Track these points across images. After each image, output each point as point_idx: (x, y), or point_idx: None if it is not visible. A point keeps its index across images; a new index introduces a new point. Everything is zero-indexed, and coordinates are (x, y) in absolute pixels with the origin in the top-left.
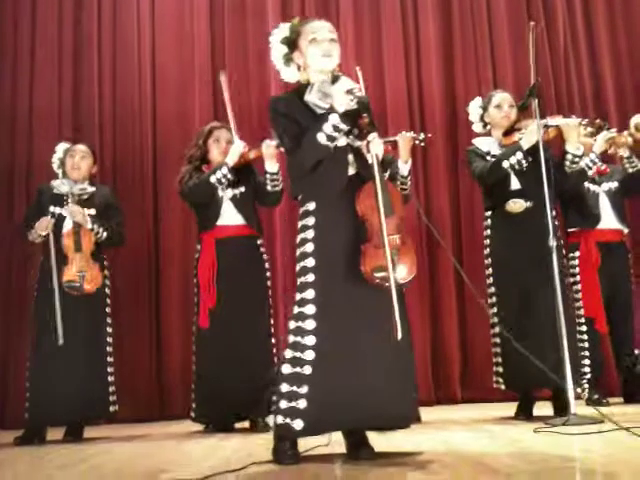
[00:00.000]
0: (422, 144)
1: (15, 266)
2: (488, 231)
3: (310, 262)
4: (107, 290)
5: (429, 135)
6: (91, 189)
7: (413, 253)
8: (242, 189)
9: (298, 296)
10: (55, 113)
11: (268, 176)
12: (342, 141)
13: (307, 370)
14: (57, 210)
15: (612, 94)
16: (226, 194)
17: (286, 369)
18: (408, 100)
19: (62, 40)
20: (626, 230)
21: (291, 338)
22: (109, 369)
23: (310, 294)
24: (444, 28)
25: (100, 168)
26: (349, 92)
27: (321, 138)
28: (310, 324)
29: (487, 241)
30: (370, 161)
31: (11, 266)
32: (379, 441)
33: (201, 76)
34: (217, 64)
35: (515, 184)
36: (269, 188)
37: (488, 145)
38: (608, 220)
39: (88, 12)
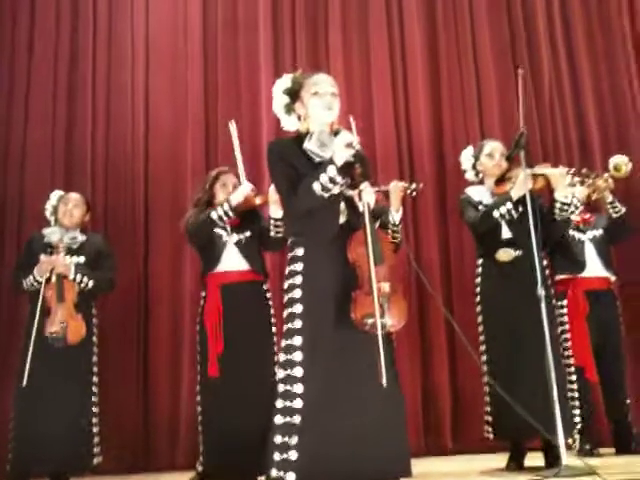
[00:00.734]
0: (413, 194)
1: (3, 313)
2: (479, 279)
3: (298, 308)
4: (94, 339)
5: (421, 185)
6: (82, 238)
7: (404, 301)
8: (247, 234)
9: (284, 343)
10: (48, 155)
11: (272, 222)
12: (335, 189)
13: (296, 419)
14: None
15: (596, 136)
16: (231, 238)
17: (278, 419)
18: (397, 147)
19: (57, 79)
20: (613, 278)
21: (281, 387)
22: (94, 420)
23: (298, 341)
24: (432, 73)
25: (92, 211)
26: (349, 145)
27: (317, 187)
28: (298, 371)
29: (478, 289)
30: (361, 209)
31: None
32: None
33: (194, 119)
34: (210, 108)
35: (506, 233)
36: (272, 234)
37: (480, 194)
38: (594, 268)
39: (83, 49)
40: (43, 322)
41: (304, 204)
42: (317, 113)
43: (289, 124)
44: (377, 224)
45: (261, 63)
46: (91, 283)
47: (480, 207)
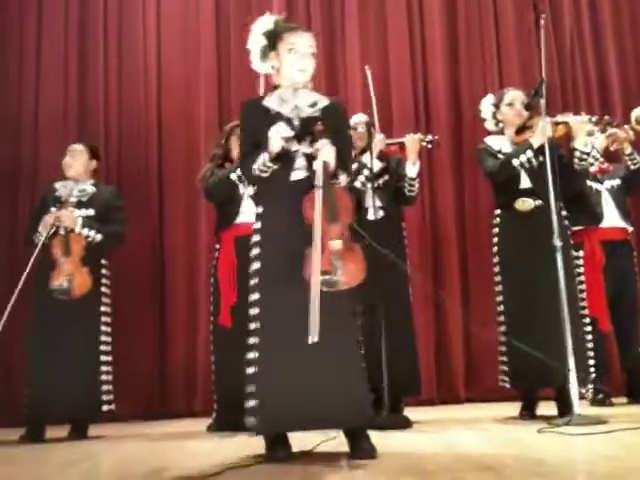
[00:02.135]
0: (430, 146)
1: (18, 268)
2: (497, 229)
3: (256, 265)
4: (103, 289)
5: (436, 137)
6: (92, 190)
7: (359, 260)
8: None
9: (249, 298)
10: (60, 112)
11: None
12: (294, 145)
13: (252, 369)
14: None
15: (618, 89)
16: (247, 191)
17: (246, 370)
18: (414, 101)
19: (68, 40)
20: (630, 228)
21: (247, 340)
22: (103, 368)
23: (256, 296)
24: (450, 27)
25: (105, 167)
26: (285, 139)
27: (254, 167)
28: (254, 325)
29: (495, 239)
30: (314, 167)
31: (13, 267)
32: (380, 440)
33: (207, 74)
34: (222, 63)
35: (525, 182)
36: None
37: (499, 143)
38: (611, 218)
39: (94, 13)
40: (48, 275)
41: (248, 176)
42: (290, 72)
43: (261, 67)
44: (342, 181)
45: (273, 13)
46: (99, 237)
47: (499, 156)
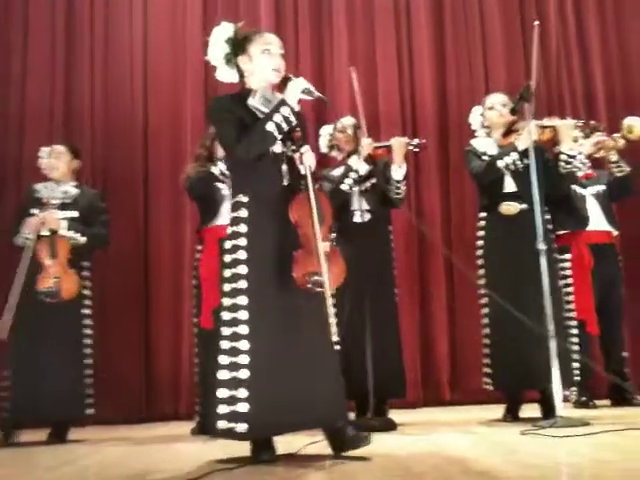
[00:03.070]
0: (416, 149)
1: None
2: (482, 232)
3: (243, 269)
4: (86, 292)
5: (423, 141)
6: (75, 192)
7: (341, 262)
8: None
9: (229, 302)
10: (47, 112)
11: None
12: (278, 148)
13: (243, 374)
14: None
15: (602, 97)
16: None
17: (223, 375)
18: (400, 104)
19: (54, 40)
20: (615, 232)
21: (225, 344)
22: (86, 372)
23: (243, 300)
24: (437, 31)
25: (91, 167)
26: (306, 92)
27: (270, 127)
28: (244, 329)
29: (480, 242)
30: (303, 172)
31: None
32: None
33: (193, 74)
34: (209, 63)
35: (510, 186)
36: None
37: (486, 146)
38: (597, 222)
39: (80, 13)
40: (31, 278)
41: (257, 144)
42: (264, 73)
43: (225, 75)
44: (317, 185)
45: (261, 14)
46: (83, 239)
47: (484, 158)
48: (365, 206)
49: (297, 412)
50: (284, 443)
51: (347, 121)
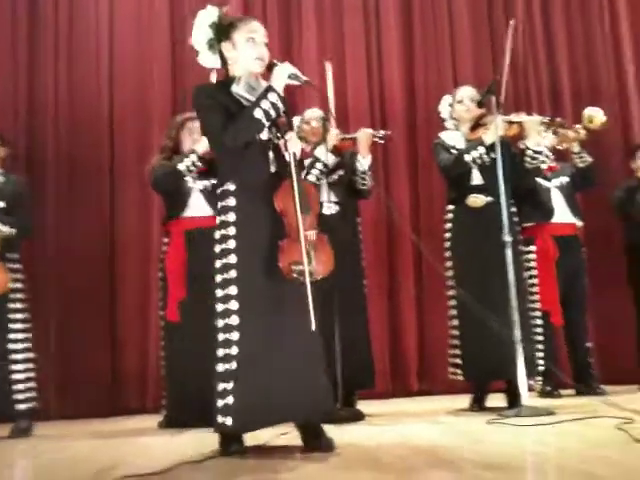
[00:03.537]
0: (381, 141)
1: None
2: (449, 224)
3: (233, 259)
4: (18, 285)
5: (388, 132)
6: (1, 179)
7: (329, 250)
8: (213, 181)
9: (221, 293)
10: (10, 102)
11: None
12: (265, 135)
13: (233, 365)
14: None
15: (568, 93)
16: (196, 185)
17: (219, 367)
18: (369, 97)
19: (17, 29)
20: (580, 223)
21: (221, 336)
22: (16, 367)
23: (233, 290)
24: (405, 28)
25: (56, 157)
26: (293, 77)
27: (258, 114)
28: (234, 320)
29: (448, 234)
30: (288, 159)
31: None
32: (333, 433)
33: (160, 63)
34: (177, 52)
35: (477, 179)
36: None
37: (454, 139)
38: (561, 214)
39: (43, 2)
40: None
41: (245, 131)
42: (248, 61)
43: (208, 61)
44: (303, 174)
45: (230, 8)
46: (13, 231)
47: (453, 151)
48: (333, 198)
49: (281, 406)
50: (252, 435)
51: (313, 113)
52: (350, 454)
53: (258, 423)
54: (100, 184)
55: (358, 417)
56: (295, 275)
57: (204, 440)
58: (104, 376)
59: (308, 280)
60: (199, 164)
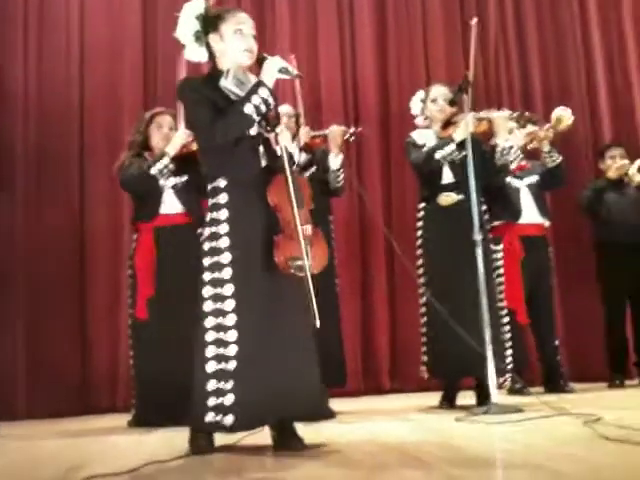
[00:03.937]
0: (352, 138)
1: None
2: (420, 222)
3: (226, 257)
4: None
5: (359, 129)
6: None
7: (324, 244)
8: (184, 178)
9: (212, 291)
10: None
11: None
12: (254, 130)
13: (232, 365)
14: None
15: (539, 91)
16: (167, 182)
17: (211, 367)
18: (343, 93)
19: None
20: (547, 223)
21: (211, 335)
22: None
23: (229, 289)
24: (379, 22)
25: (24, 148)
26: (283, 71)
27: (248, 109)
28: (231, 319)
29: (419, 232)
30: (279, 153)
31: None
32: (303, 431)
33: (131, 55)
34: (148, 43)
35: (448, 177)
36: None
37: (425, 137)
38: (530, 214)
39: None
40: None
41: (235, 127)
42: (236, 54)
43: (195, 54)
44: (294, 168)
45: None
46: None
47: (424, 150)
48: None
49: (284, 403)
50: (221, 434)
51: (284, 109)
52: (320, 451)
53: (260, 421)
54: (69, 177)
55: (328, 415)
56: (293, 270)
57: (173, 439)
58: (74, 375)
59: (309, 276)
60: (171, 166)
